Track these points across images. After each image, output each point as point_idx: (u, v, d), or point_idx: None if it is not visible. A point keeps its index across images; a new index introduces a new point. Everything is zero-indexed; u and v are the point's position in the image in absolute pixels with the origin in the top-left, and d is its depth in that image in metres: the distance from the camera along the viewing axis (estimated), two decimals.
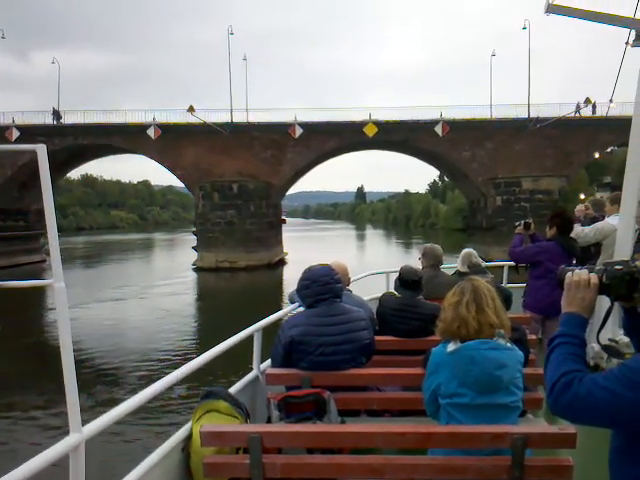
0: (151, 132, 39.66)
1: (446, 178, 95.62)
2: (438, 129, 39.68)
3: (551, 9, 4.93)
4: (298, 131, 39.74)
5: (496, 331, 2.57)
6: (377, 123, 40.03)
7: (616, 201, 5.63)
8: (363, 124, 40.03)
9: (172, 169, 41.93)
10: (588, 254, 6.04)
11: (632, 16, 4.69)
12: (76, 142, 40.53)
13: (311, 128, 40.05)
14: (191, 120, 40.01)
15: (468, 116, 41.12)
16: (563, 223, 5.26)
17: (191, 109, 39.18)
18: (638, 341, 1.72)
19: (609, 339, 4.38)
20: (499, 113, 41.68)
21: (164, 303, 24.62)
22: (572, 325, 1.68)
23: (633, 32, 4.61)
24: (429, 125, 39.99)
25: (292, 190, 53.78)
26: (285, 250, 45.90)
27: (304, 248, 52.58)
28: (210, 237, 38.70)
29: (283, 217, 47.56)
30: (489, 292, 2.62)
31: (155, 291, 28.40)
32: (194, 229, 41.65)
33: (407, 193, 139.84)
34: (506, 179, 39.33)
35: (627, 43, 4.94)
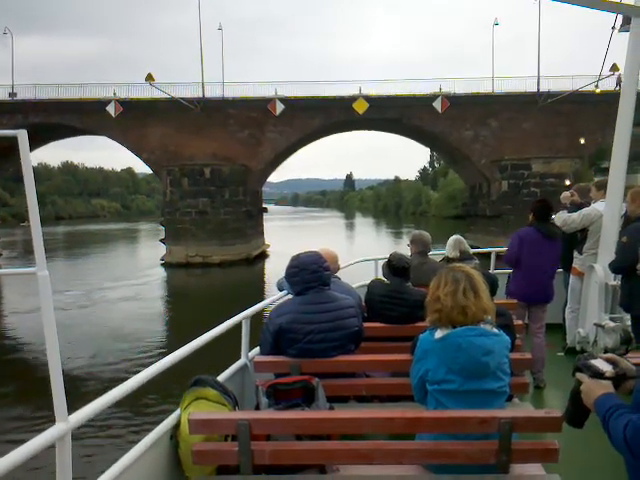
0: (111, 109, 39.21)
1: (437, 164, 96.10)
2: (437, 105, 39.48)
3: None
4: (279, 107, 39.36)
5: (484, 317, 2.92)
6: (368, 98, 39.76)
7: (602, 186, 6.14)
8: (352, 99, 39.69)
9: (136, 151, 41.58)
10: (574, 240, 6.54)
11: (618, 1, 5.06)
12: (26, 121, 39.95)
13: (294, 104, 39.71)
14: (157, 95, 39.58)
15: (471, 90, 40.94)
16: (539, 209, 5.82)
17: (150, 78, 38.31)
18: None
19: (595, 323, 4.81)
20: (505, 88, 41.42)
21: (113, 313, 22.28)
22: (611, 399, 1.96)
23: (620, 17, 4.99)
24: (426, 100, 39.77)
25: (281, 178, 54.22)
26: (267, 242, 45.62)
27: (290, 237, 52.43)
28: (179, 228, 38.34)
29: (265, 205, 47.36)
30: (480, 278, 2.98)
31: (107, 295, 26.23)
32: (162, 219, 41.13)
33: (397, 180, 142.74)
34: (513, 161, 39.18)
35: (614, 28, 5.33)
